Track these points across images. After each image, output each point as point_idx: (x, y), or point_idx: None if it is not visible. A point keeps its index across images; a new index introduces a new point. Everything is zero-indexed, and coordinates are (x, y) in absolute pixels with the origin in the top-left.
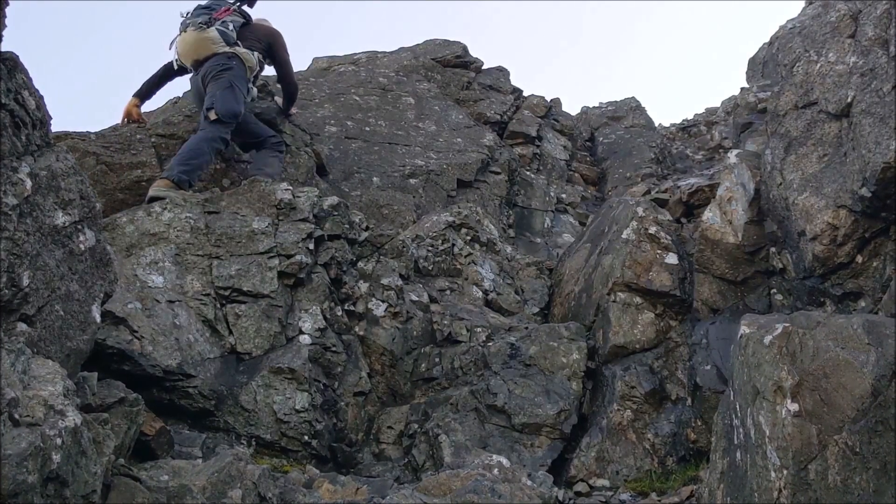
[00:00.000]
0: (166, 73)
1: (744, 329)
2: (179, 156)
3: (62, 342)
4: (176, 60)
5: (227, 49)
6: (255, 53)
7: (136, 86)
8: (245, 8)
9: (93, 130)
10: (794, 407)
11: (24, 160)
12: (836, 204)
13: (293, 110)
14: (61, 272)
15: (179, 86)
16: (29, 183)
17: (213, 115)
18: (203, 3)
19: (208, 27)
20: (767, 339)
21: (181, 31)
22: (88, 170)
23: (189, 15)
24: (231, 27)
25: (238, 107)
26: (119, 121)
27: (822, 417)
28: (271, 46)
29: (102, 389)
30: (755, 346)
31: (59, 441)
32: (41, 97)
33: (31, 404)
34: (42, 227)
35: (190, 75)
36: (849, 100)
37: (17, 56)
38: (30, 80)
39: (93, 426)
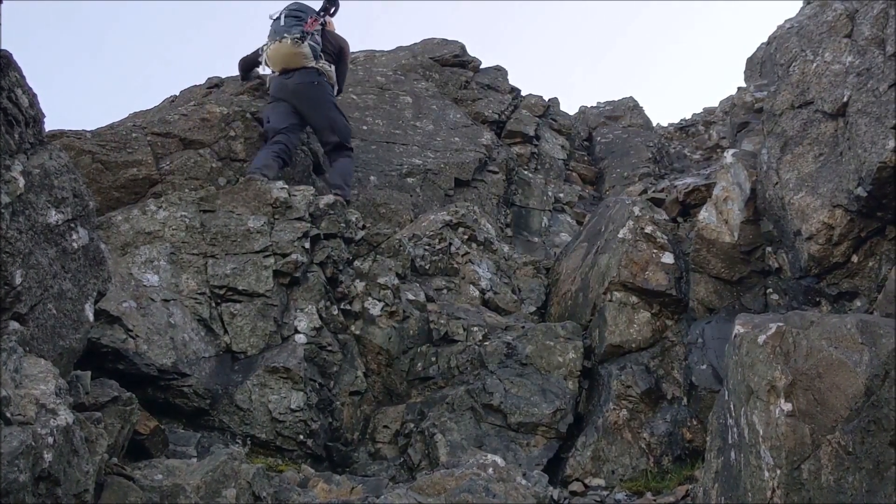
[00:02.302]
0: (248, 66)
1: (738, 329)
2: (340, 173)
3: (55, 341)
4: (266, 64)
5: (313, 64)
6: (332, 66)
7: (134, 84)
8: (323, 16)
9: (89, 129)
10: (787, 406)
11: (17, 158)
12: (832, 203)
13: None
14: (54, 270)
15: (177, 85)
16: (22, 181)
17: (344, 145)
18: (293, 7)
19: (303, 42)
20: (761, 338)
21: (277, 40)
22: (84, 168)
23: (282, 21)
24: (318, 40)
25: (349, 126)
26: (114, 119)
27: (816, 417)
28: (340, 54)
29: (96, 388)
30: (749, 346)
31: (50, 440)
32: (34, 95)
33: (22, 403)
34: (35, 226)
35: (274, 75)
36: (845, 99)
37: (11, 54)
38: (23, 77)
39: (85, 425)
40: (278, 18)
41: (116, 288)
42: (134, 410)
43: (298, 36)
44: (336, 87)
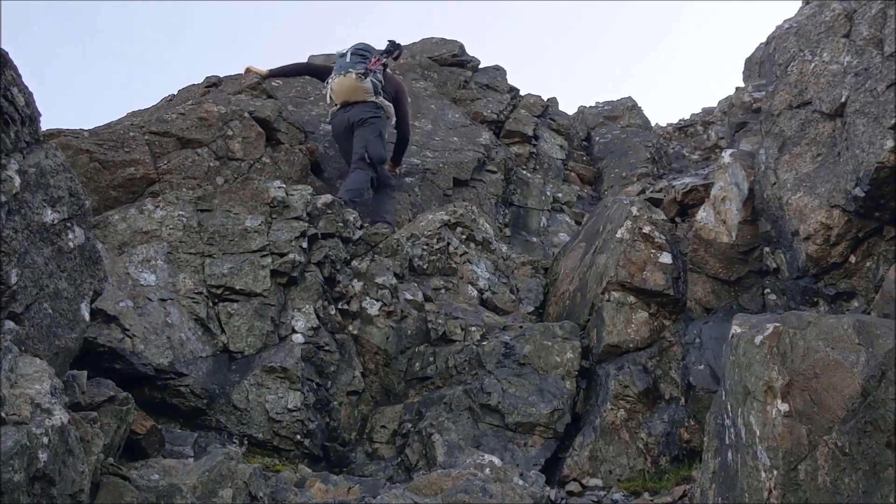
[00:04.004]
0: (302, 71)
1: (735, 329)
2: (349, 189)
3: (50, 340)
4: (329, 96)
5: (374, 99)
6: (389, 104)
7: (132, 82)
8: (386, 58)
9: (87, 128)
10: (784, 407)
11: (13, 157)
12: (830, 204)
13: (398, 169)
14: (50, 270)
15: (175, 84)
16: (17, 180)
17: (367, 159)
18: (359, 46)
19: (366, 77)
20: (758, 338)
21: (342, 74)
22: (81, 167)
23: (348, 58)
24: (380, 78)
25: (385, 153)
26: (112, 119)
27: (813, 418)
28: (397, 97)
29: (92, 388)
30: (746, 346)
31: (45, 440)
32: (30, 94)
33: (17, 402)
34: (30, 225)
35: (335, 109)
36: (843, 99)
37: (6, 52)
38: (19, 76)
39: (81, 425)
40: (344, 55)
41: (113, 287)
42: (130, 410)
43: (362, 72)
44: (391, 121)
